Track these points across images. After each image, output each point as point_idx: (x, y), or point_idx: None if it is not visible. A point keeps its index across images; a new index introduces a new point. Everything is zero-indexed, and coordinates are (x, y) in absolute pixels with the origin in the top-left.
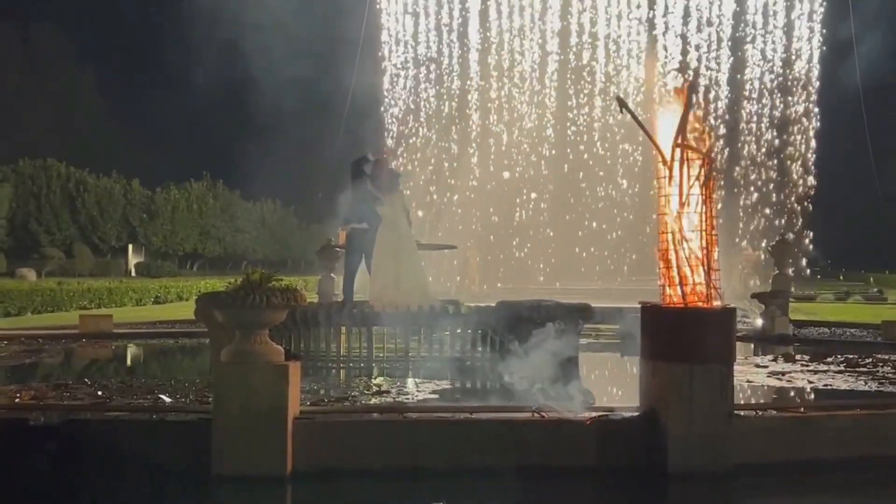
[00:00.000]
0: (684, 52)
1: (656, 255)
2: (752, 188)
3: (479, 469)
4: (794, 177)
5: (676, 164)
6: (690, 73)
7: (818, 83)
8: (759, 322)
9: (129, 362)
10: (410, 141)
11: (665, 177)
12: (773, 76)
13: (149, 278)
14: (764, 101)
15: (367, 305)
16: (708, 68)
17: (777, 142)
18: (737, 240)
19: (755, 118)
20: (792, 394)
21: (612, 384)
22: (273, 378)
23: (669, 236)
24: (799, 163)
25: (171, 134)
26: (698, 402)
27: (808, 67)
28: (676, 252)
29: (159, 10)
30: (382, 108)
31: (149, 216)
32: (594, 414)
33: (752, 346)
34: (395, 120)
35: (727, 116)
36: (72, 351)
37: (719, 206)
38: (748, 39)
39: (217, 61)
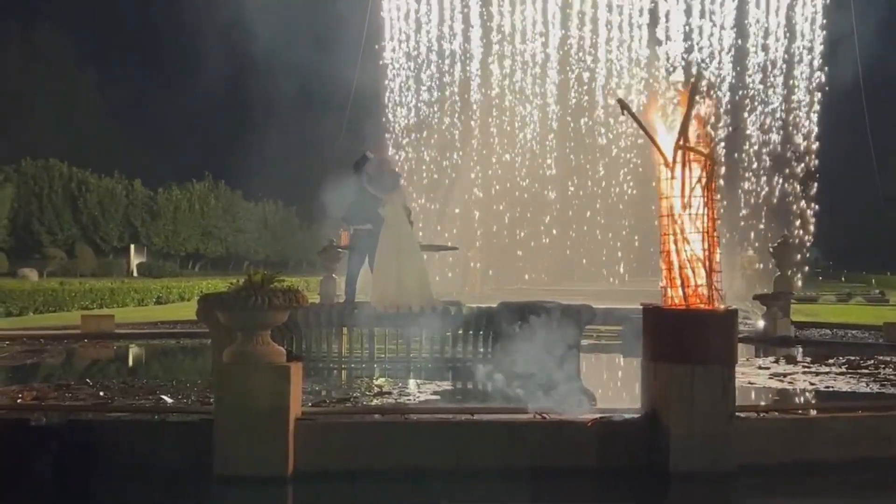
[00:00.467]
0: (687, 52)
1: (658, 256)
2: (753, 189)
3: (480, 470)
4: (796, 178)
5: (678, 166)
6: (693, 72)
7: (820, 83)
8: (761, 323)
9: (130, 363)
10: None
11: (667, 178)
12: (774, 77)
13: (150, 278)
14: (766, 102)
15: (369, 306)
16: (709, 70)
17: (779, 145)
18: (738, 242)
19: (756, 119)
20: (793, 395)
21: (614, 385)
22: (275, 379)
23: (671, 238)
24: (801, 164)
25: (173, 134)
26: (700, 404)
27: (809, 68)
28: (678, 253)
29: (161, 10)
30: (385, 107)
31: (151, 216)
32: (595, 415)
33: (754, 347)
34: (396, 120)
35: (729, 118)
36: (73, 351)
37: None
38: (750, 41)
39: (219, 61)
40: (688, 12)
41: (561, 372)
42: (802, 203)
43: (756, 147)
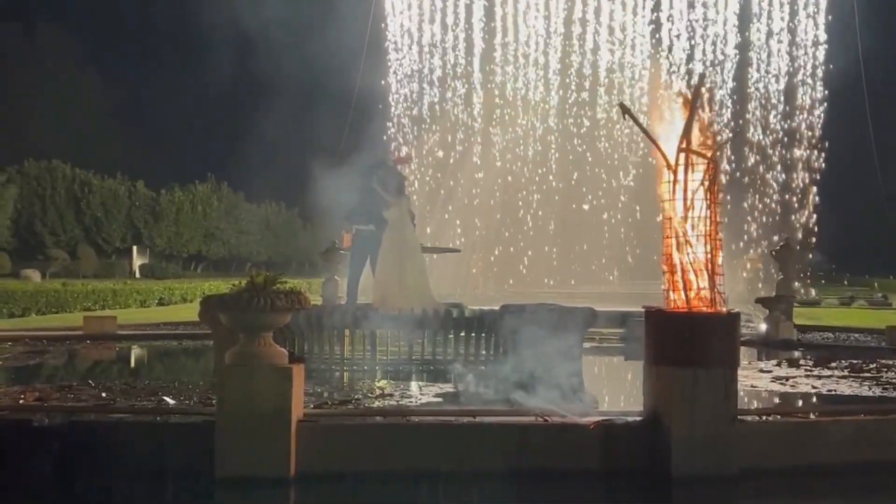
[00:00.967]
0: (689, 59)
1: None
2: (756, 192)
3: (482, 472)
4: (799, 181)
5: (681, 169)
6: (695, 75)
7: (822, 85)
8: (763, 327)
9: (132, 364)
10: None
11: (669, 181)
12: (777, 80)
13: (153, 280)
14: (768, 105)
15: (371, 308)
16: (712, 72)
17: (782, 147)
18: (741, 244)
19: (759, 121)
20: (795, 399)
21: (616, 388)
22: (277, 380)
23: (673, 241)
24: (804, 168)
25: (176, 136)
26: (702, 407)
27: (812, 70)
28: (680, 256)
29: (163, 11)
30: (390, 109)
31: (153, 218)
32: (597, 418)
33: (756, 350)
34: (400, 121)
35: (731, 122)
36: (76, 352)
37: (726, 215)
38: (752, 44)
39: (221, 63)
40: (689, 13)
41: (563, 374)
42: (805, 204)
43: (757, 149)
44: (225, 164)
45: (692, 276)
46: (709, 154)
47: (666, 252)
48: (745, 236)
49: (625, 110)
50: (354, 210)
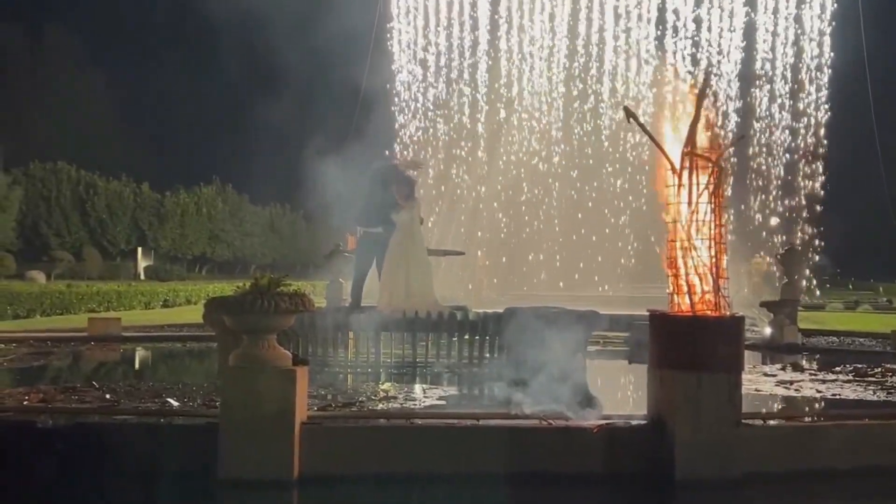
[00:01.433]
0: (694, 57)
1: (664, 262)
2: (761, 196)
3: (485, 475)
4: (804, 184)
5: (686, 172)
6: (701, 76)
7: (827, 88)
8: (768, 331)
9: (137, 365)
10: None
11: (674, 185)
12: (782, 84)
13: (157, 282)
14: (773, 108)
15: (376, 310)
16: (717, 76)
17: (787, 152)
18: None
19: (764, 125)
20: (800, 403)
21: (620, 391)
22: (280, 383)
23: (678, 244)
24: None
25: (181, 138)
26: (706, 411)
27: (817, 73)
28: (685, 260)
29: (167, 14)
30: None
31: (158, 220)
32: (601, 421)
33: (761, 354)
34: (404, 122)
35: (736, 125)
36: (80, 354)
37: (729, 217)
38: (757, 47)
39: (227, 65)
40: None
41: (567, 377)
42: (810, 208)
43: (763, 152)
44: (230, 167)
45: (696, 280)
46: (713, 157)
47: (670, 255)
48: (749, 242)
49: (629, 114)
50: (362, 212)
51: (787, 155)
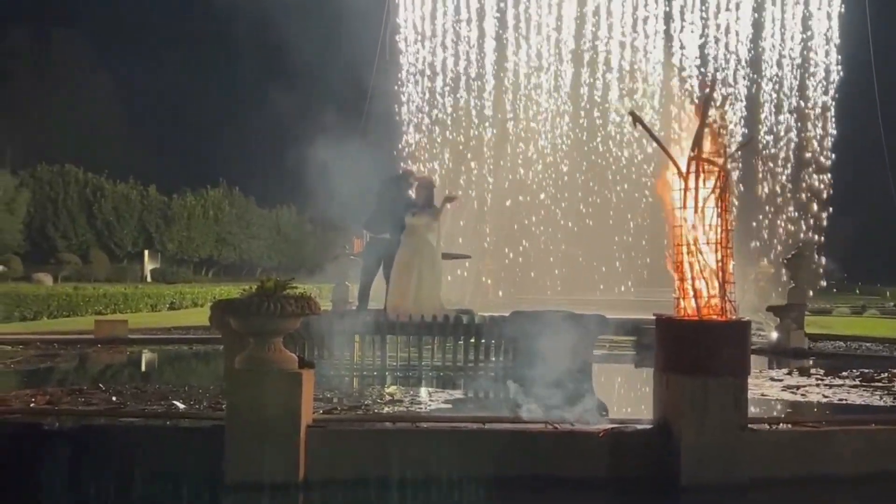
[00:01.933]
0: (702, 64)
1: (670, 266)
2: (767, 200)
3: (491, 479)
4: (811, 188)
5: (692, 177)
6: (707, 80)
7: (833, 90)
8: (775, 335)
9: (143, 368)
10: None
11: (680, 189)
12: (789, 88)
13: (164, 284)
14: (780, 113)
15: (382, 314)
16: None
17: (793, 157)
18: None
19: (771, 131)
20: (806, 408)
21: (626, 395)
22: (286, 385)
23: (684, 248)
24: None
25: (188, 140)
26: (712, 415)
27: (825, 76)
28: (691, 264)
29: (174, 17)
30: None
31: (165, 222)
32: (607, 425)
33: (767, 359)
34: (411, 127)
35: (743, 129)
36: (87, 356)
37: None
38: (764, 50)
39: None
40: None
41: (573, 381)
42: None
43: (770, 156)
44: (237, 170)
45: (703, 284)
46: (720, 161)
47: (677, 260)
48: (758, 244)
49: (636, 119)
50: (371, 217)
51: (794, 158)
